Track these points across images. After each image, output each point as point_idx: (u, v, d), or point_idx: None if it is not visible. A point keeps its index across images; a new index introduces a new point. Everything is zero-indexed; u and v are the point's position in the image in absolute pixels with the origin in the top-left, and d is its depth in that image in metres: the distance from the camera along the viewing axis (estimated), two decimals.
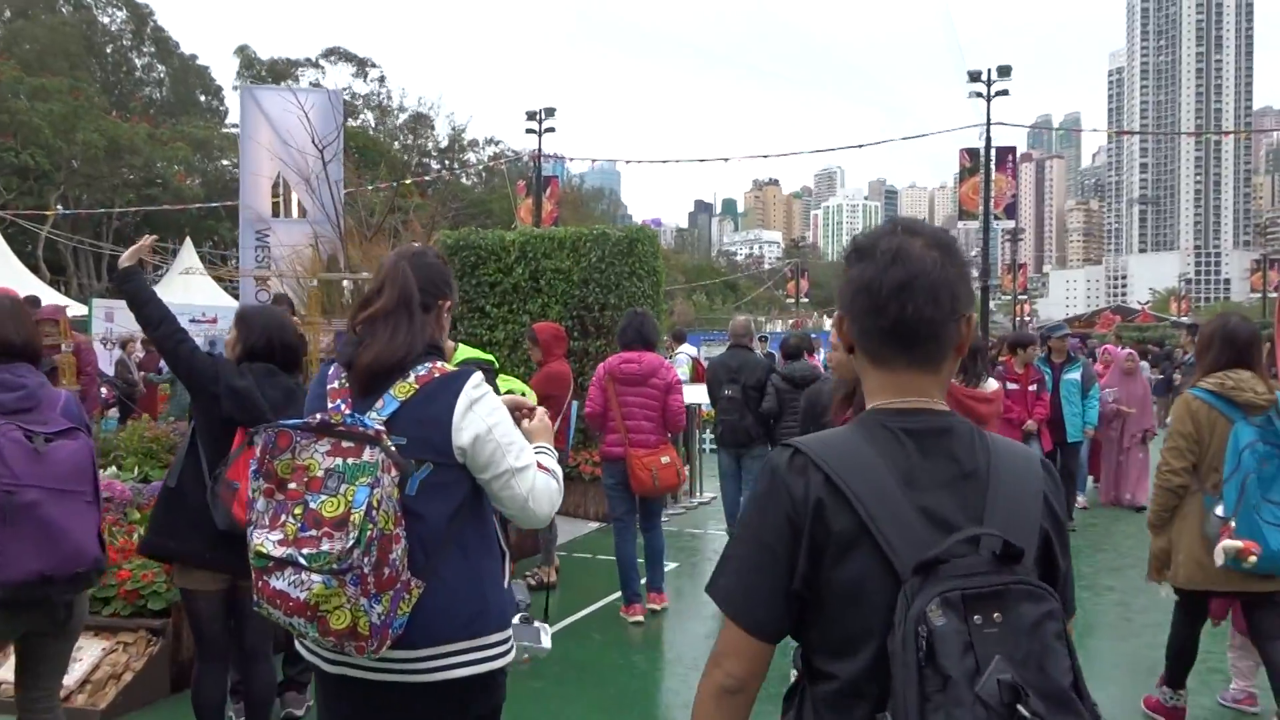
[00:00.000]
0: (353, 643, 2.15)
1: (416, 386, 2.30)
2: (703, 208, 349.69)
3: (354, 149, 31.35)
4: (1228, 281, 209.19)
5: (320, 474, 2.16)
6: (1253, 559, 3.99)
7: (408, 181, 29.96)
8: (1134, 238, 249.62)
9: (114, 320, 16.75)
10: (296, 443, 2.20)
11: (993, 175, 34.76)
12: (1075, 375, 9.27)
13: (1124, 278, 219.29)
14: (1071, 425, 9.18)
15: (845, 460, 1.39)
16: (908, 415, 1.45)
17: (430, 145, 53.45)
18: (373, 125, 54.93)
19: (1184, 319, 70.57)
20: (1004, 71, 35.20)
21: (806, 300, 65.94)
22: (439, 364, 2.37)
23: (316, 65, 55.39)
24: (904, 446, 1.41)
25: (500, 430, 2.33)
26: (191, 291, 18.90)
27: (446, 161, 48.83)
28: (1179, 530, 4.39)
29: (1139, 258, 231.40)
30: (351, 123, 53.65)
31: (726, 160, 40.29)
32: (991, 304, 37.27)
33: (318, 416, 2.23)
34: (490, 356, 3.75)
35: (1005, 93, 35.18)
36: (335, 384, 2.38)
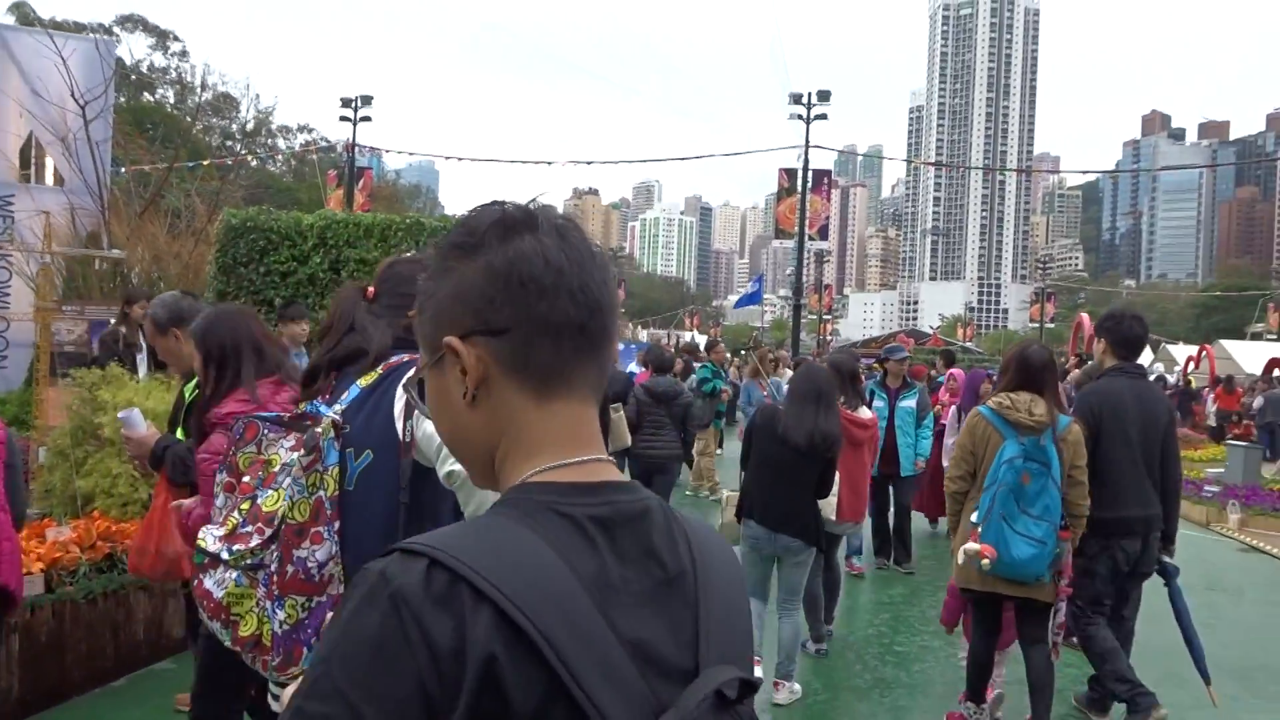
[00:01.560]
0: (258, 655, 1.97)
1: (379, 373, 2.20)
2: None
3: (150, 126, 28.72)
4: (1006, 311, 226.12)
5: (277, 469, 2.05)
6: (986, 562, 4.44)
7: (206, 163, 27.62)
8: (926, 266, 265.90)
9: None
10: (264, 435, 2.11)
11: (809, 197, 35.58)
12: (911, 403, 8.53)
13: (916, 303, 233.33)
14: (905, 458, 8.42)
15: (524, 580, 0.87)
16: (590, 491, 0.97)
17: (235, 128, 50.07)
18: (172, 102, 50.91)
19: (968, 344, 75.43)
20: (823, 96, 36.16)
21: (624, 311, 66.09)
22: (408, 355, 2.24)
23: (109, 32, 50.78)
24: (594, 547, 0.94)
25: None
26: None
27: (252, 145, 45.76)
28: (957, 534, 4.79)
29: (930, 285, 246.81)
30: (148, 98, 49.55)
31: (550, 164, 39.55)
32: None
33: (290, 410, 2.24)
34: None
35: (824, 116, 36.09)
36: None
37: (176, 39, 52.86)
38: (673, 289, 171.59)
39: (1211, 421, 22.94)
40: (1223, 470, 14.58)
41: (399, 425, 2.11)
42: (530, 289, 0.97)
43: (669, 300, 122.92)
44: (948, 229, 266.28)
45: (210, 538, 2.05)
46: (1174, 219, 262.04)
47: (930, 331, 78.37)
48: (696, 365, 12.93)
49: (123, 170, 13.93)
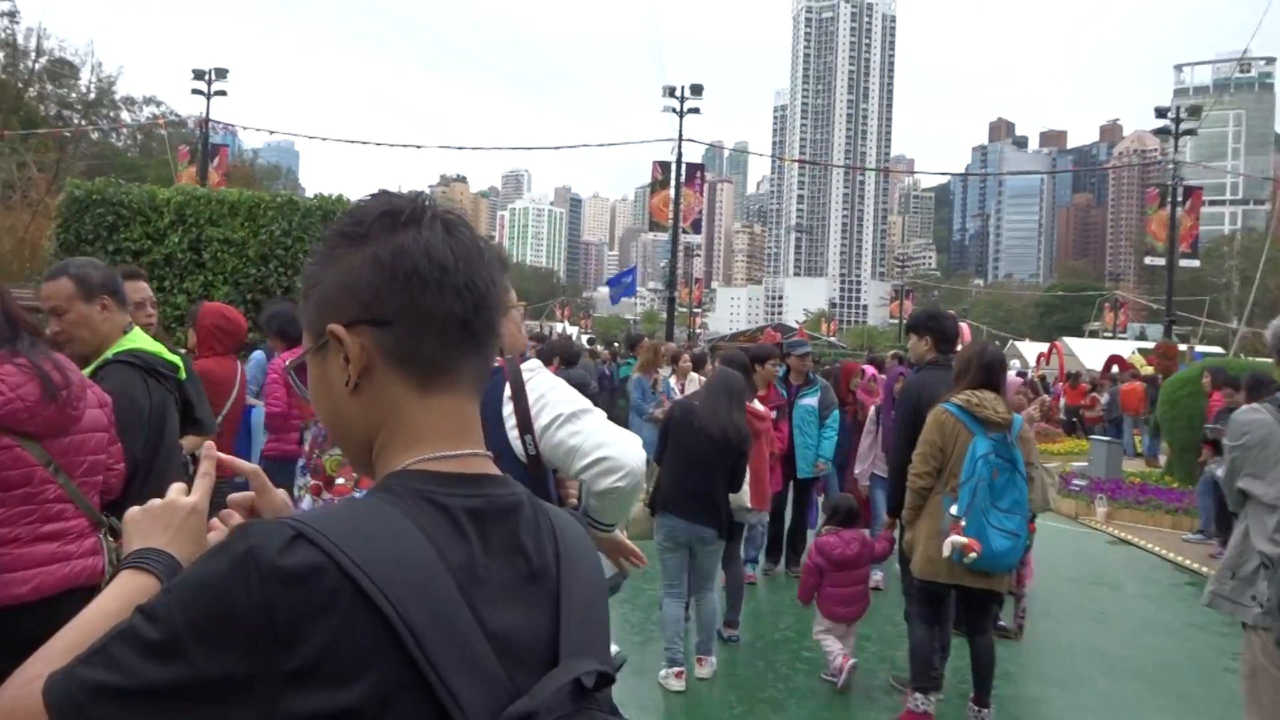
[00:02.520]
0: None
1: None
2: None
3: None
4: (866, 307, 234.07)
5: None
6: (973, 555, 4.55)
7: (42, 132, 25.57)
8: (790, 262, 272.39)
9: None
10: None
11: (682, 190, 35.66)
12: (812, 400, 8.11)
13: (781, 298, 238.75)
14: (803, 459, 8.00)
15: (389, 563, 0.88)
16: (467, 483, 1.00)
17: (74, 97, 46.76)
18: (1, 65, 47.17)
19: (832, 338, 77.44)
20: (696, 90, 36.37)
21: None
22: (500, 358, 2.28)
23: None
24: (465, 537, 0.96)
25: (553, 394, 2.30)
26: None
27: (93, 117, 42.85)
28: (919, 527, 4.88)
29: (794, 280, 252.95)
30: None
31: (420, 148, 38.48)
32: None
33: None
34: (174, 358, 3.35)
35: (697, 110, 36.30)
36: None
37: None
38: (543, 279, 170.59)
39: (1062, 415, 23.92)
40: (1087, 464, 15.13)
41: (515, 437, 2.20)
42: (414, 282, 0.98)
43: (539, 291, 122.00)
44: (811, 226, 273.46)
45: None
46: (1018, 222, 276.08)
47: (795, 326, 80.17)
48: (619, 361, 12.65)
49: None
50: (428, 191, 1.08)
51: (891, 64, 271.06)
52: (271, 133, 34.24)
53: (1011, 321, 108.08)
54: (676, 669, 5.43)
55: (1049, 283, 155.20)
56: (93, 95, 44.93)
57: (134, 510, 1.19)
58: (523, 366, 2.40)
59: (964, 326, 29.39)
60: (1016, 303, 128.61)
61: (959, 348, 5.58)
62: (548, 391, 2.38)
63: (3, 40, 47.83)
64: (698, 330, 71.11)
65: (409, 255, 0.99)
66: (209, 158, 30.34)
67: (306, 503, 1.96)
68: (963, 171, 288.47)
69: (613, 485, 2.31)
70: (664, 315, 40.33)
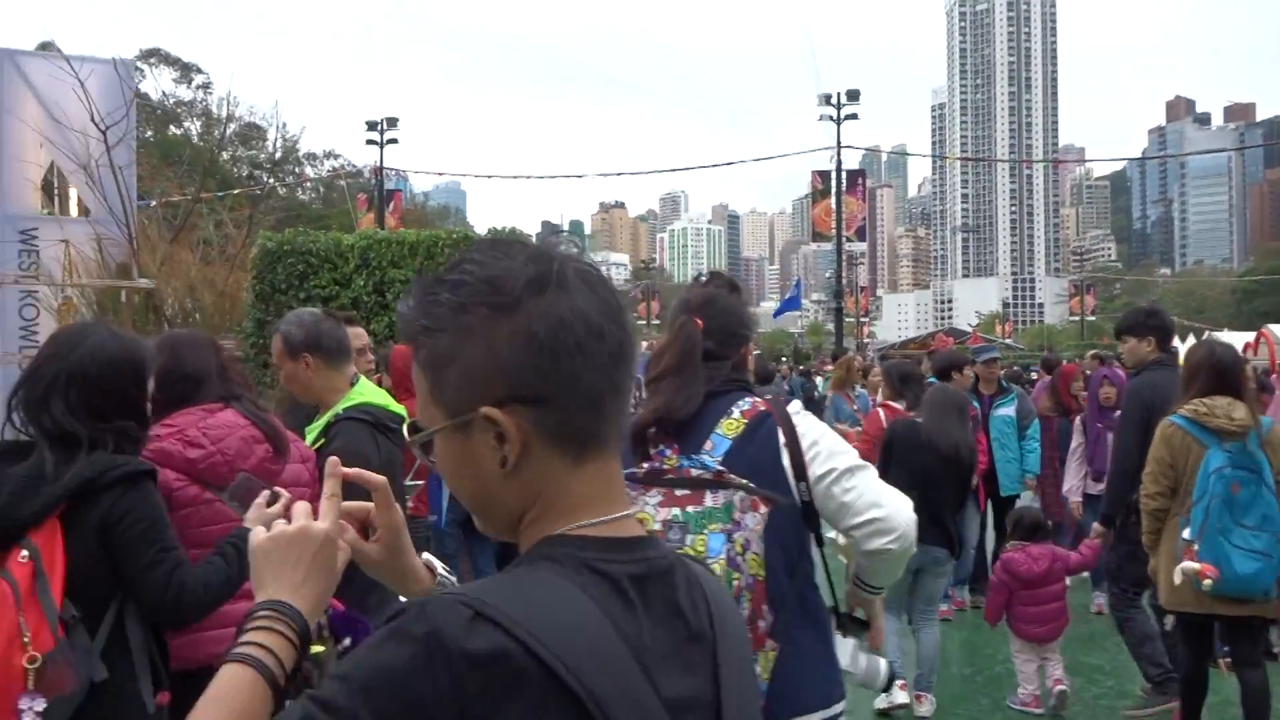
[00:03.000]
0: None
1: (744, 422, 2.21)
2: (550, 229, 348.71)
3: (178, 158, 28.62)
4: (1042, 305, 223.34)
5: (658, 527, 2.01)
6: (1208, 582, 4.10)
7: (236, 192, 27.40)
8: (958, 263, 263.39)
9: None
10: (628, 496, 1.82)
11: (844, 198, 34.89)
12: (1009, 410, 7.45)
13: (950, 302, 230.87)
14: (1006, 475, 7.36)
15: (575, 643, 0.86)
16: (625, 547, 0.98)
17: (262, 157, 50.17)
18: (198, 134, 51.08)
19: (1008, 340, 74.07)
20: (853, 95, 35.59)
21: (658, 322, 65.72)
22: (758, 399, 2.28)
23: (135, 69, 51.15)
24: (632, 606, 0.94)
25: (826, 441, 2.24)
26: None
27: (279, 174, 45.72)
28: (1160, 553, 4.47)
29: (963, 282, 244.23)
30: (175, 131, 49.72)
31: (580, 177, 39.27)
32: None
33: (644, 466, 2.10)
34: (400, 408, 3.34)
35: (855, 116, 35.48)
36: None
37: (200, 71, 53.15)
38: None
39: None
40: None
41: (792, 484, 2.14)
42: (575, 358, 0.94)
43: None
44: (977, 225, 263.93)
45: None
46: (1205, 204, 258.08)
47: (969, 330, 77.15)
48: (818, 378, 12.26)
49: (152, 203, 13.49)
50: (561, 235, 1.06)
51: (1054, 51, 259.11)
52: (440, 175, 35.75)
53: (1205, 310, 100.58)
54: (900, 681, 5.08)
55: (1244, 266, 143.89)
56: (278, 154, 48.00)
57: (262, 537, 1.10)
58: (789, 410, 2.29)
59: (1266, 331, 27.25)
60: (1210, 290, 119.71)
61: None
62: (820, 439, 2.26)
63: (199, 111, 51.96)
64: (865, 340, 69.58)
65: (569, 329, 0.94)
66: (384, 203, 31.80)
67: None
68: (1140, 155, 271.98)
69: (884, 546, 2.19)
70: (829, 327, 39.62)
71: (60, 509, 2.20)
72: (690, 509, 2.03)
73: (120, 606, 2.29)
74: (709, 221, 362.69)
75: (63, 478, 2.20)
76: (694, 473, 2.07)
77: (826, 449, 2.25)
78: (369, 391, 3.35)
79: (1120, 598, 5.28)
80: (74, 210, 9.22)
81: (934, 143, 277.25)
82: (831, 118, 35.22)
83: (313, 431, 3.25)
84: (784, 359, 47.47)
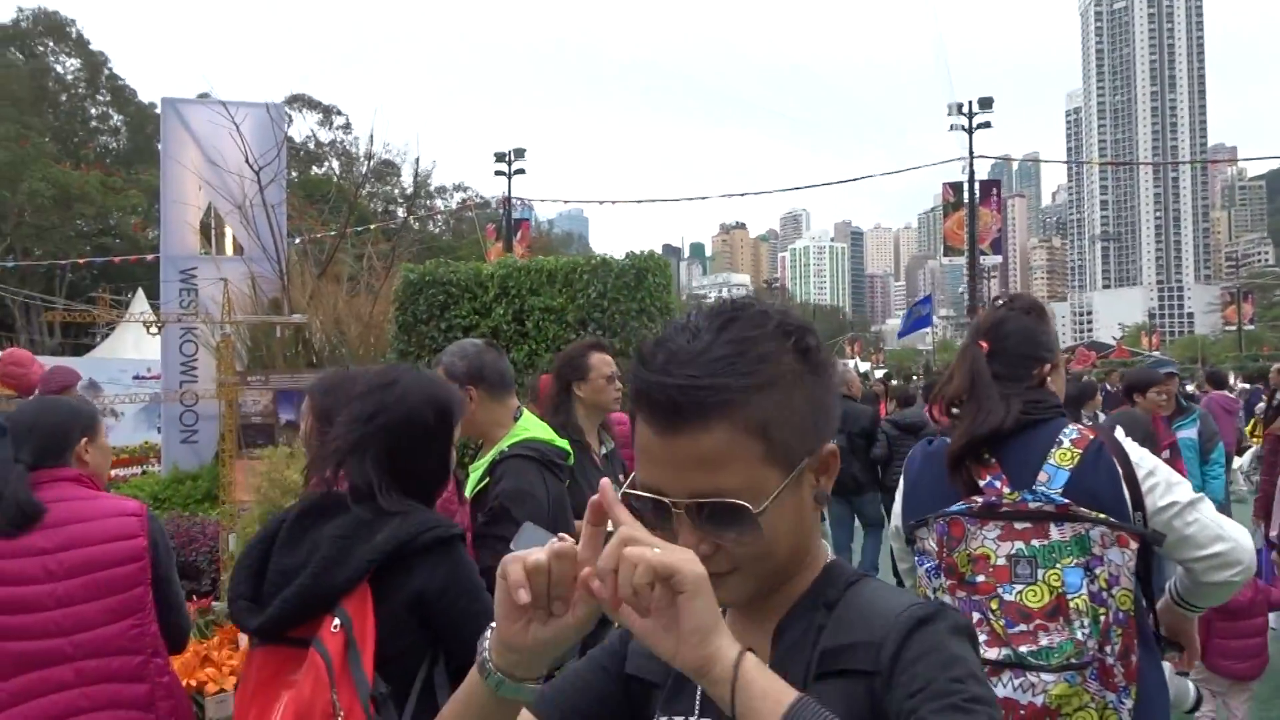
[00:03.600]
0: None
1: (1078, 451, 2.13)
2: (671, 252, 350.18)
3: (320, 197, 29.94)
4: (1191, 315, 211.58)
5: (1003, 562, 2.02)
6: None
7: (373, 227, 28.43)
8: (1097, 274, 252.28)
9: None
10: (968, 531, 2.08)
11: (977, 210, 33.80)
12: (1190, 432, 6.84)
13: (1089, 314, 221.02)
14: None
15: None
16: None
17: (396, 192, 52.02)
18: (338, 173, 53.35)
19: (1156, 353, 70.29)
20: (985, 103, 34.54)
21: None
22: (1083, 426, 2.25)
23: (284, 113, 53.81)
24: None
25: (1161, 471, 2.18)
26: (143, 347, 17.01)
27: (412, 208, 47.37)
28: None
29: (1103, 293, 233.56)
30: (317, 171, 52.07)
31: (705, 199, 39.25)
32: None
33: (977, 500, 2.09)
34: (564, 443, 3.26)
35: (988, 125, 34.39)
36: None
37: (339, 113, 55.49)
38: (829, 317, 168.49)
39: None
40: None
41: (1131, 513, 2.10)
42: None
43: (826, 329, 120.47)
44: (1118, 233, 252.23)
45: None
46: None
47: (1113, 343, 73.53)
48: None
49: (298, 240, 14.05)
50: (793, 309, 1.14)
51: (1200, 45, 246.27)
52: (566, 202, 36.17)
53: None
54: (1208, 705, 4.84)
55: None
56: (411, 189, 49.71)
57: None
58: (1118, 437, 2.25)
59: None
60: None
61: None
62: (1156, 469, 2.20)
63: (339, 151, 54.30)
64: None
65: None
66: (513, 232, 32.41)
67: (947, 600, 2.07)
68: None
69: (1229, 579, 2.17)
70: (957, 343, 38.37)
71: (369, 574, 2.04)
72: (1035, 543, 2.03)
73: (429, 673, 2.12)
74: (831, 239, 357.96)
75: (373, 539, 2.05)
76: (1033, 506, 2.06)
77: (1164, 480, 2.18)
78: (534, 426, 3.20)
79: None
80: (229, 249, 9.64)
81: (1069, 148, 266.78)
82: (963, 127, 34.25)
83: (478, 469, 3.10)
84: (915, 376, 46.19)
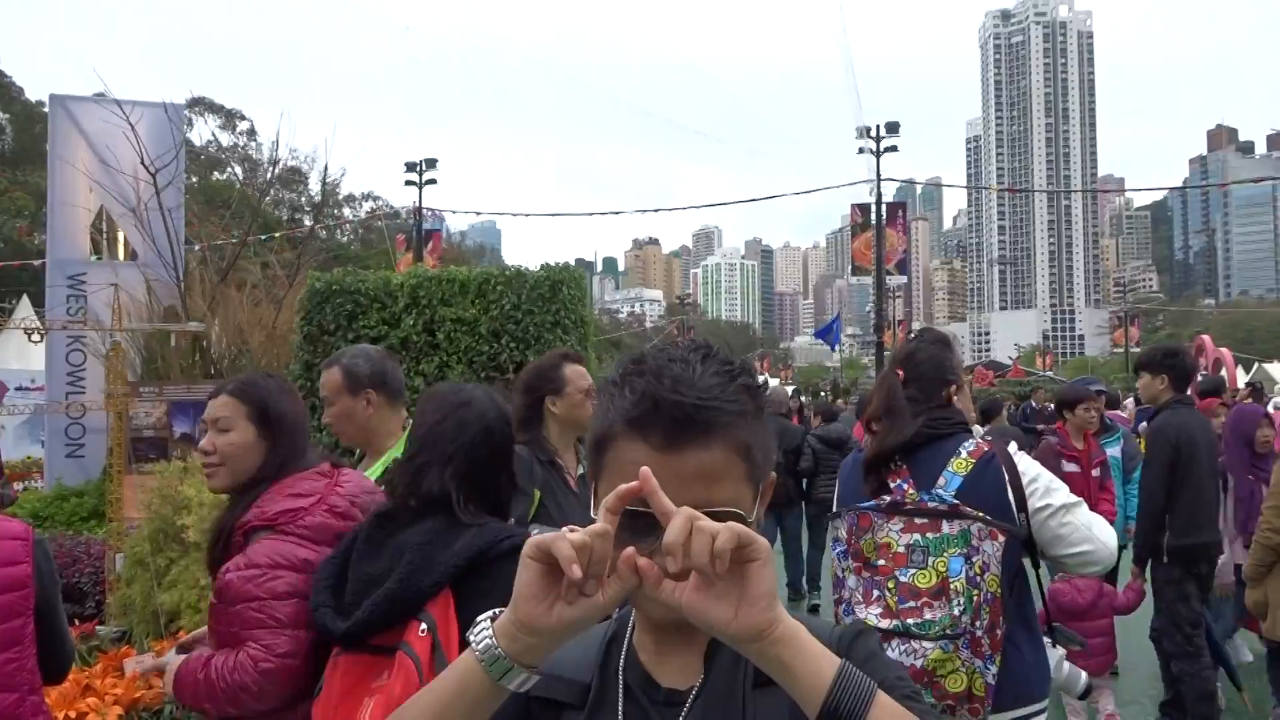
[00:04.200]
0: (967, 705, 2.32)
1: (973, 461, 2.55)
2: (584, 266, 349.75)
3: (221, 203, 29.01)
4: (1082, 337, 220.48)
5: (901, 550, 2.42)
6: None
7: (278, 235, 27.65)
8: (995, 296, 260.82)
9: None
10: (874, 523, 2.48)
11: (884, 231, 34.57)
12: (1115, 451, 6.79)
13: (988, 334, 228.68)
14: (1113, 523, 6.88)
15: None
16: None
17: (303, 200, 50.81)
18: (241, 179, 51.88)
19: (1049, 373, 72.83)
20: (892, 128, 35.46)
21: None
22: (980, 440, 2.65)
23: (183, 115, 52.04)
24: None
25: (1043, 479, 2.59)
26: (27, 356, 16.10)
27: (320, 216, 46.44)
28: (1272, 586, 4.47)
29: (1001, 315, 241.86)
30: (218, 176, 50.51)
31: (617, 214, 39.44)
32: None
33: (885, 499, 2.52)
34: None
35: (895, 149, 35.31)
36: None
37: (243, 118, 54.00)
38: (739, 333, 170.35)
39: None
40: None
41: (1014, 515, 2.52)
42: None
43: (737, 345, 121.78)
44: (1015, 257, 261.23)
45: (872, 616, 2.39)
46: (1250, 234, 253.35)
47: (1009, 362, 75.99)
48: None
49: (197, 247, 13.58)
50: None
51: (1091, 81, 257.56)
52: (478, 214, 35.84)
53: (1254, 342, 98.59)
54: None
55: None
56: (319, 197, 48.67)
57: None
58: (1008, 450, 2.63)
59: (1204, 339, 26.59)
60: (1258, 321, 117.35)
61: (1211, 367, 5.27)
62: (1038, 476, 2.60)
63: (242, 157, 52.78)
64: None
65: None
66: (423, 243, 31.91)
67: (853, 581, 2.54)
68: (1182, 185, 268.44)
69: (1092, 573, 2.75)
70: (864, 360, 39.14)
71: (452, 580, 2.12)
72: (929, 535, 2.43)
73: None
74: (742, 256, 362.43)
75: (454, 546, 2.11)
76: (930, 505, 2.47)
77: (1044, 486, 2.58)
78: None
79: (1181, 646, 5.09)
80: (122, 254, 9.20)
81: (969, 174, 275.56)
82: (871, 150, 35.04)
83: (371, 475, 2.97)
84: (821, 393, 46.97)
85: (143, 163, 8.39)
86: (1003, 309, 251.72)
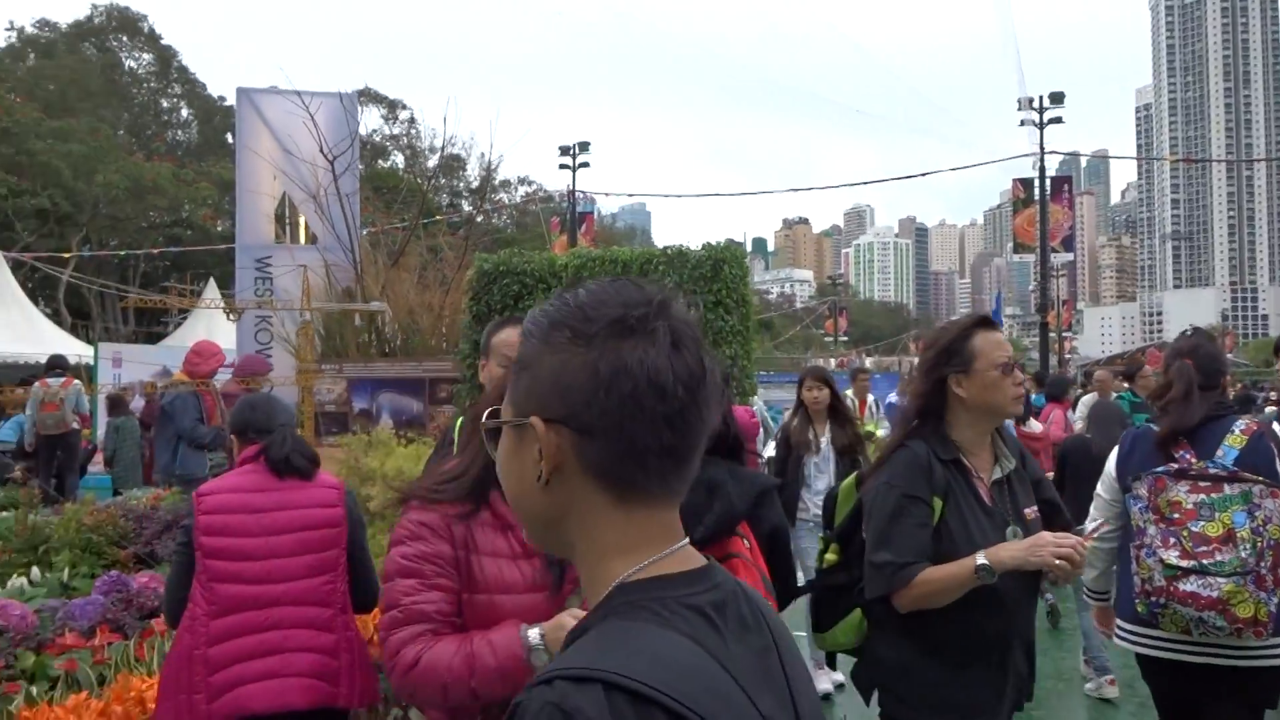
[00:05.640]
0: (1253, 628, 2.87)
1: (1245, 437, 3.12)
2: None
3: (386, 190, 30.20)
4: (1265, 317, 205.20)
5: (1190, 507, 2.99)
6: None
7: (439, 219, 28.59)
8: (1168, 273, 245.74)
9: (121, 366, 15.27)
10: (1168, 484, 3.06)
11: (1049, 206, 33.04)
12: None
13: (1159, 314, 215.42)
14: None
15: (701, 687, 0.91)
16: (697, 579, 1.02)
17: (462, 186, 52.37)
18: (402, 167, 53.89)
19: (1229, 355, 68.16)
20: (1057, 98, 33.77)
21: (845, 338, 64.61)
22: (1249, 420, 3.26)
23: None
24: (721, 634, 0.98)
25: None
26: (215, 335, 17.30)
27: (481, 201, 47.90)
28: None
29: (1174, 294, 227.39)
30: (382, 164, 52.59)
31: (768, 193, 38.91)
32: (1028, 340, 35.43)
33: (1173, 465, 3.10)
34: None
35: (1059, 120, 33.62)
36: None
37: (405, 107, 55.96)
38: (892, 314, 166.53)
39: None
40: None
41: None
42: (628, 406, 0.96)
43: (889, 327, 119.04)
44: (1190, 232, 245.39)
45: (1172, 557, 2.96)
46: None
47: None
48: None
49: (365, 232, 14.20)
50: (666, 289, 1.04)
51: (1275, 40, 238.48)
52: (630, 196, 36.14)
53: None
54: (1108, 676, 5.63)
55: None
56: (477, 183, 50.07)
57: None
58: (1274, 427, 3.58)
59: None
60: None
61: None
62: None
63: (405, 145, 54.82)
64: (1068, 355, 65.82)
65: (629, 376, 0.96)
66: (577, 226, 32.43)
67: (1151, 530, 3.16)
68: None
69: None
70: (1024, 342, 37.58)
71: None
72: (1213, 495, 3.00)
73: None
74: (896, 235, 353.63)
75: (742, 483, 2.40)
76: (1211, 470, 3.06)
77: None
78: None
79: None
80: (303, 239, 9.68)
81: (1140, 145, 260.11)
82: (1034, 122, 33.49)
83: None
84: None
85: (321, 150, 8.79)
86: (1176, 287, 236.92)
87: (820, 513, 5.49)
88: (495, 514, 2.16)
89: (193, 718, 2.86)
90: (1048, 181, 33.59)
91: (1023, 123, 34.30)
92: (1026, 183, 34.14)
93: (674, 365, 0.97)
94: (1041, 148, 33.47)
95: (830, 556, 2.94)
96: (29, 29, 47.75)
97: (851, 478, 3.04)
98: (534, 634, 1.99)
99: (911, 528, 2.59)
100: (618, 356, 0.96)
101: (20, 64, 44.75)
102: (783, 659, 1.04)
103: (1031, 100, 34.16)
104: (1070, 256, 38.01)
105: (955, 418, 2.73)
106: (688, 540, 1.04)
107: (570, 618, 1.92)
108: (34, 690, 3.68)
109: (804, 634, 5.31)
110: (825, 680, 5.52)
